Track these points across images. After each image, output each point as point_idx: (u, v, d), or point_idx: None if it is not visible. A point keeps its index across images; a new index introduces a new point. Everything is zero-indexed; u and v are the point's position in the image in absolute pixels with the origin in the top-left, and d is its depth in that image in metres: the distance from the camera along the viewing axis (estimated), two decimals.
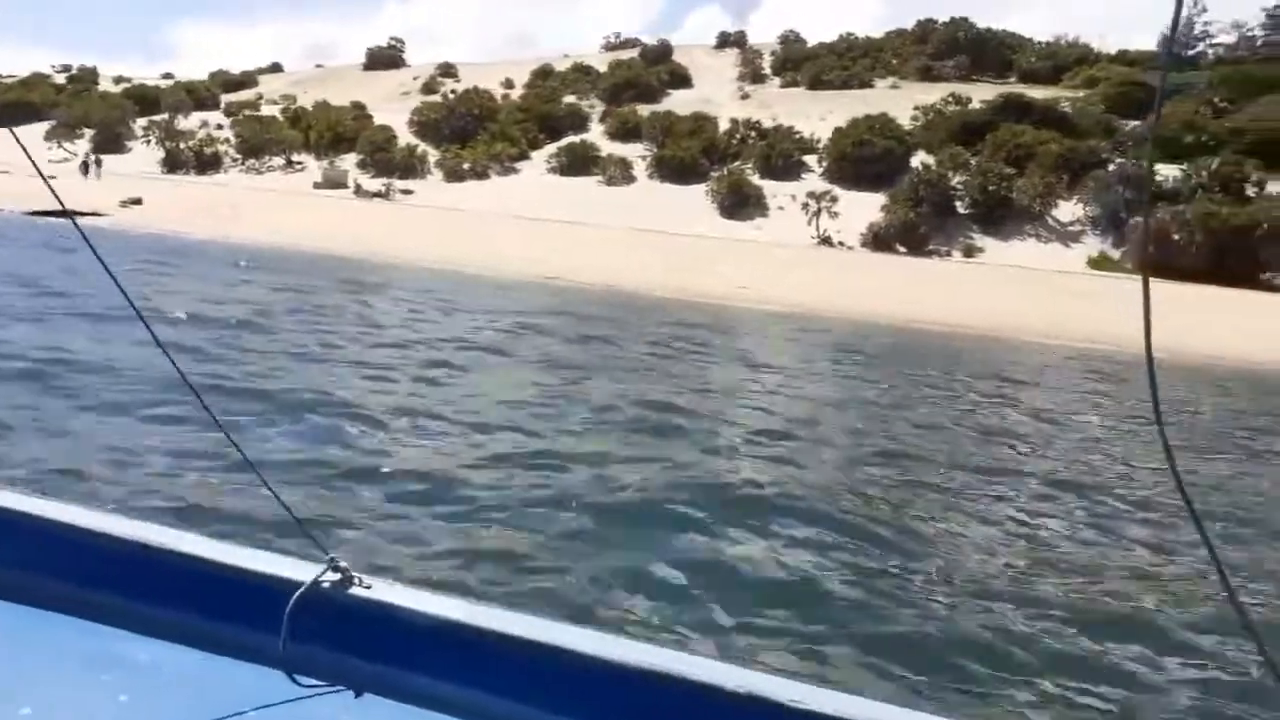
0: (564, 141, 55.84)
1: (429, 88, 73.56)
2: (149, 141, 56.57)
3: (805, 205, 43.19)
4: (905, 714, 1.36)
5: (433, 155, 54.73)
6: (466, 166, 52.49)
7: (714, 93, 71.13)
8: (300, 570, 1.57)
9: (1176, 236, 38.04)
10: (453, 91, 66.65)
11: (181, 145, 55.72)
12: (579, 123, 60.33)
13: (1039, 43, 77.65)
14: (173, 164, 54.96)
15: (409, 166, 52.78)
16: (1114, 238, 41.04)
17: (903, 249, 41.88)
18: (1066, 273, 37.80)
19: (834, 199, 43.38)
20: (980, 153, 46.90)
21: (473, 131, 57.01)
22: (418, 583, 1.65)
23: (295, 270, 21.26)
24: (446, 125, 57.80)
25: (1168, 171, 43.83)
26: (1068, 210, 43.20)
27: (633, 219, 45.64)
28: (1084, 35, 74.35)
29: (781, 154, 50.31)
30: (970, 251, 41.51)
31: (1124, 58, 71.42)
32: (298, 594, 1.52)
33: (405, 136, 57.86)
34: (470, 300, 18.74)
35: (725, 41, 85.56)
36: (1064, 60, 71.07)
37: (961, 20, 78.29)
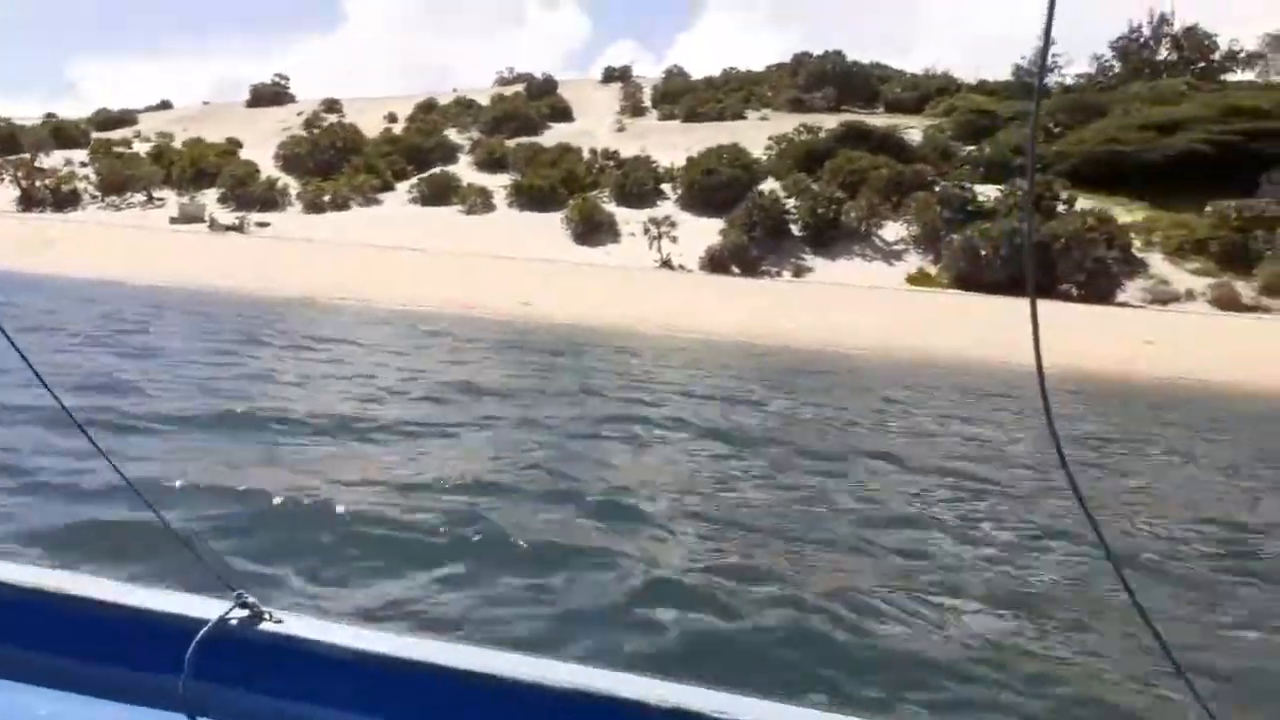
0: (428, 173, 56.72)
1: (311, 124, 73.91)
2: (1, 180, 55.97)
3: (645, 230, 44.55)
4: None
5: (295, 188, 55.10)
6: (327, 198, 52.97)
7: (594, 126, 72.79)
8: (206, 608, 1.49)
9: (983, 252, 40.18)
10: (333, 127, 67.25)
11: (39, 183, 55.21)
12: (448, 154, 61.29)
13: (907, 74, 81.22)
14: (29, 202, 54.40)
15: (269, 199, 53.07)
16: (933, 255, 43.14)
17: (737, 270, 43.45)
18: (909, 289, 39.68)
19: (673, 224, 44.86)
20: (820, 178, 49.01)
21: (338, 165, 57.57)
22: (334, 615, 1.58)
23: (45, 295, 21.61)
24: (311, 159, 58.28)
25: (987, 191, 46.33)
26: (893, 230, 45.30)
27: (490, 246, 46.58)
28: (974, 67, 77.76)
29: (636, 182, 51.81)
30: (799, 271, 43.23)
31: (983, 87, 75.04)
32: (202, 633, 1.44)
33: (271, 171, 58.19)
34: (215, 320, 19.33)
35: (611, 76, 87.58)
36: (927, 90, 74.32)
37: (834, 54, 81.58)
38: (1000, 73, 76.95)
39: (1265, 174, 44.69)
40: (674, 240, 44.58)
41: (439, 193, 53.36)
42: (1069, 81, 73.70)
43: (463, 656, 1.39)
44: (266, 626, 1.47)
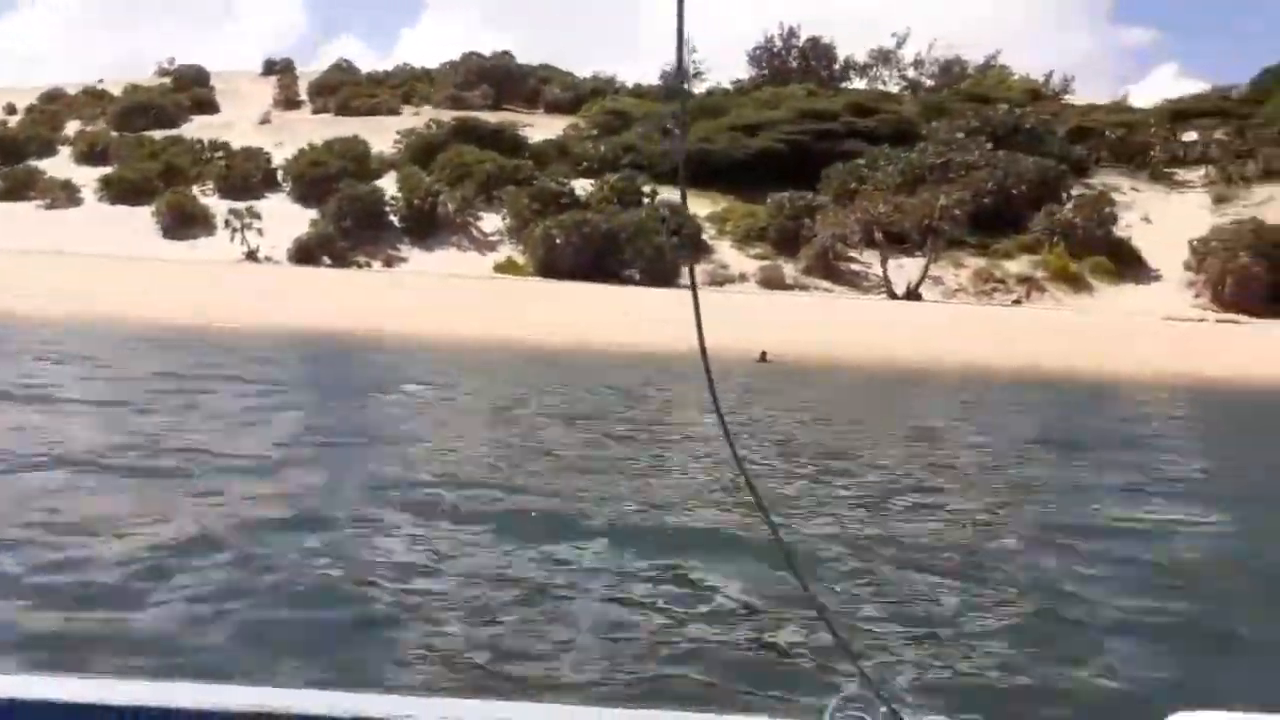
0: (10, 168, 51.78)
1: None
2: None
3: (226, 222, 43.06)
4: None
5: None
6: None
7: (237, 118, 69.47)
8: None
9: (559, 240, 42.19)
10: None
11: None
12: (44, 148, 56.27)
13: (568, 74, 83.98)
14: None
15: None
16: (522, 245, 44.76)
17: (328, 260, 42.98)
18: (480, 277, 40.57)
19: (256, 215, 43.63)
20: (432, 171, 49.57)
21: None
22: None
23: None
24: None
25: (581, 185, 48.76)
26: (492, 222, 46.60)
27: (73, 243, 43.09)
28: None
29: (241, 175, 49.95)
30: (391, 261, 43.45)
31: (638, 90, 79.03)
32: None
33: None
34: None
35: (271, 69, 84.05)
36: (583, 92, 77.09)
37: (504, 54, 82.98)
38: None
39: (824, 170, 50.13)
40: (260, 233, 43.36)
41: (16, 187, 48.82)
42: (726, 85, 78.96)
43: (183, 695, 1.22)
44: None
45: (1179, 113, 62.25)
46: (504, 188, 46.93)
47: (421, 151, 52.32)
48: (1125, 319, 36.70)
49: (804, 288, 43.50)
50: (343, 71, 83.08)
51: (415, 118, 67.65)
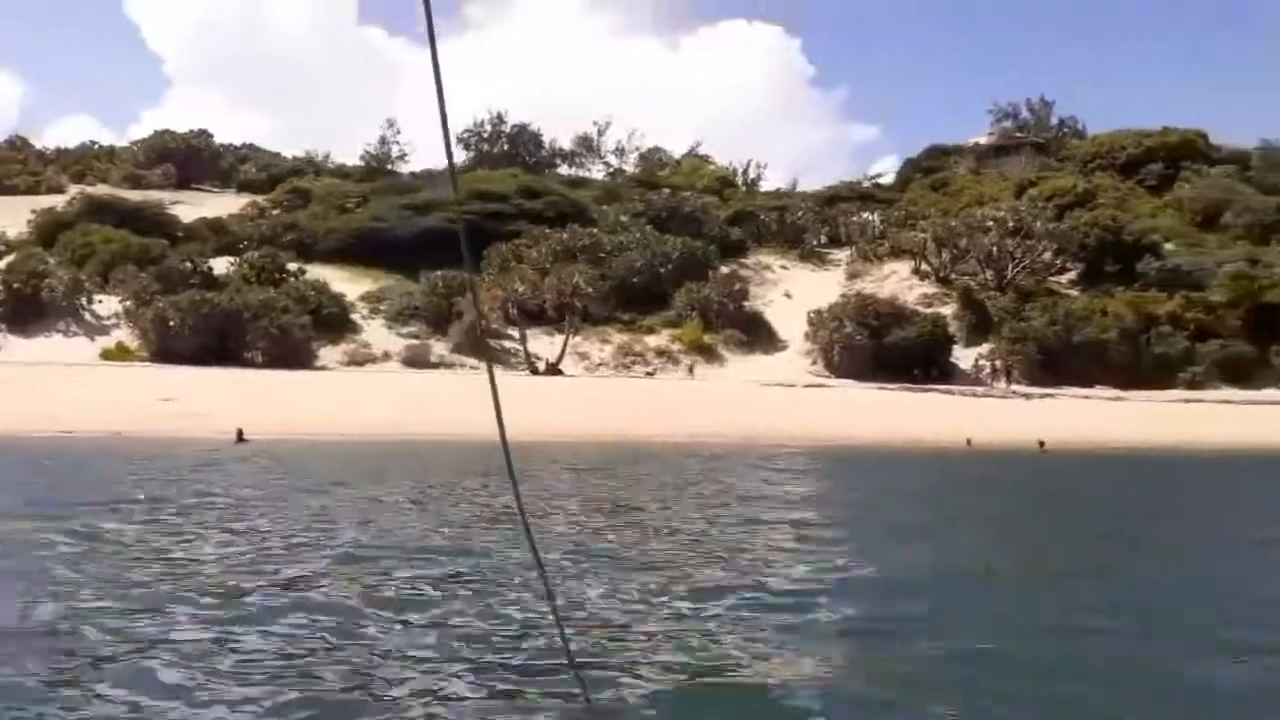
0: None
1: None
2: None
3: None
4: None
5: None
6: None
7: None
8: None
9: (172, 323, 39.72)
10: None
11: None
12: None
13: (272, 154, 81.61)
14: None
15: None
16: (138, 329, 41.83)
17: None
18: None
19: None
20: (55, 252, 45.81)
21: None
22: None
23: None
24: None
25: (218, 263, 46.62)
26: (111, 304, 43.39)
27: None
28: None
29: None
30: None
31: (340, 170, 77.83)
32: None
33: None
34: None
35: None
36: (281, 171, 74.86)
37: (201, 133, 79.46)
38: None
39: (486, 249, 50.61)
40: None
41: None
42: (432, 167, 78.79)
43: None
44: None
45: (833, 198, 68.60)
46: (123, 267, 43.93)
47: (50, 231, 48.38)
48: (734, 387, 38.90)
49: (450, 365, 43.18)
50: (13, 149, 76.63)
51: (59, 196, 62.98)
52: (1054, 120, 74.47)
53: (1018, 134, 70.77)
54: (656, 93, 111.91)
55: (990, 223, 51.31)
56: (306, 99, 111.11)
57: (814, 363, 45.87)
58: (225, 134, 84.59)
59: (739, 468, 19.40)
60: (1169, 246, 52.45)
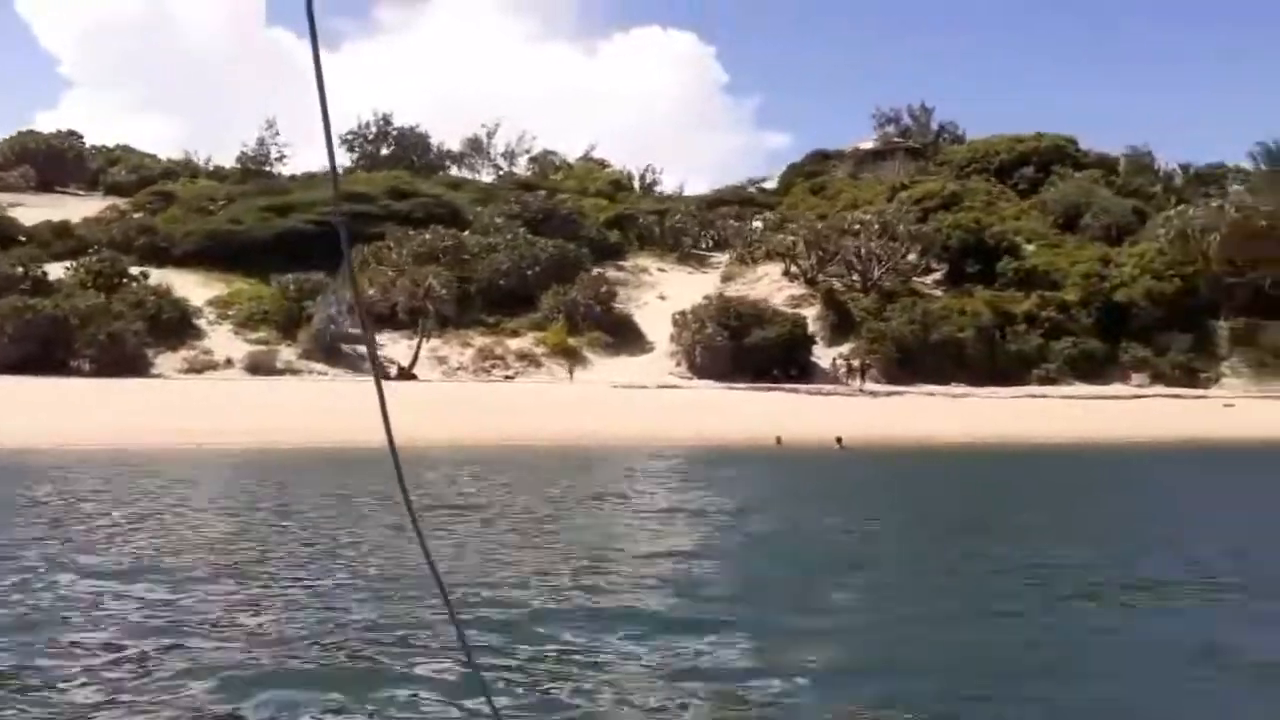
0: None
1: None
2: None
3: None
4: None
5: None
6: None
7: None
8: None
9: None
10: None
11: None
12: None
13: (146, 156, 78.43)
14: None
15: None
16: None
17: None
18: None
19: None
20: None
21: None
22: None
23: None
24: None
25: (60, 269, 44.32)
26: None
27: None
28: None
29: None
30: None
31: (217, 173, 75.30)
32: None
33: None
34: None
35: None
36: (151, 175, 71.97)
37: (68, 134, 76.10)
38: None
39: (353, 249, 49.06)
40: None
41: None
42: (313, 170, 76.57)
43: None
44: None
45: (716, 202, 68.76)
46: None
47: None
48: (582, 390, 38.31)
49: (296, 372, 41.65)
50: None
51: None
52: (934, 126, 75.86)
53: (896, 139, 71.86)
54: (573, 99, 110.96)
55: (857, 226, 51.79)
56: (214, 102, 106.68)
57: (678, 364, 45.58)
58: (131, 138, 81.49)
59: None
60: (1030, 248, 53.67)
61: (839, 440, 24.21)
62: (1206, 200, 53.97)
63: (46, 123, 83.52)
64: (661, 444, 25.29)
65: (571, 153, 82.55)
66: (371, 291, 42.64)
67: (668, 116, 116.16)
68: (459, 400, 34.09)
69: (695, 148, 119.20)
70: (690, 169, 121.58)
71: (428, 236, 48.63)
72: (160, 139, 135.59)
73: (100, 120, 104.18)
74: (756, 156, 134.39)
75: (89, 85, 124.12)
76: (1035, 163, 66.31)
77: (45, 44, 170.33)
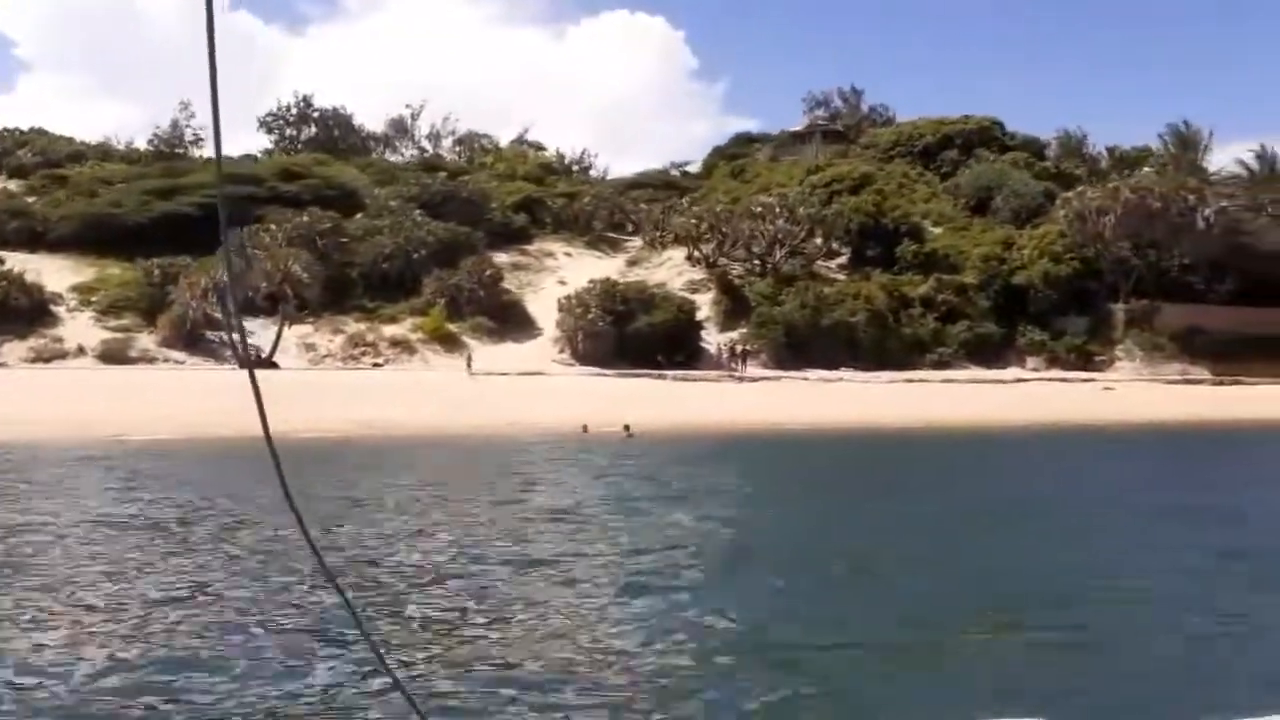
0: None
1: None
2: None
3: None
4: None
5: None
6: None
7: None
8: None
9: None
10: None
11: None
12: None
13: (64, 139, 76.23)
14: None
15: None
16: None
17: None
18: None
19: None
20: None
21: None
22: None
23: None
24: None
25: None
26: None
27: None
28: None
29: None
30: None
31: (129, 157, 73.18)
32: None
33: None
34: None
35: None
36: (56, 157, 69.81)
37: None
38: None
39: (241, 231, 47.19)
40: None
41: None
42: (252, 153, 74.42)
43: None
44: None
45: (635, 184, 67.17)
46: None
47: None
48: (435, 378, 36.74)
49: (152, 360, 39.93)
50: None
51: None
52: (864, 108, 74.52)
53: (821, 121, 70.47)
54: (541, 83, 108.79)
55: (759, 209, 50.39)
56: (176, 87, 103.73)
57: (561, 350, 44.14)
58: (90, 122, 79.28)
59: None
60: (936, 231, 52.44)
61: (627, 428, 22.79)
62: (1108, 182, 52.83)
63: (2, 107, 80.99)
64: (465, 432, 24.03)
65: (509, 136, 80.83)
66: (225, 276, 40.81)
67: (636, 101, 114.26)
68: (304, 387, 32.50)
69: (662, 133, 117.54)
70: (659, 155, 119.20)
71: (305, 219, 46.82)
72: (124, 124, 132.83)
73: (58, 105, 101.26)
74: (723, 141, 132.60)
75: (47, 69, 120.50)
76: (959, 145, 65.08)
77: (1, 26, 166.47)
